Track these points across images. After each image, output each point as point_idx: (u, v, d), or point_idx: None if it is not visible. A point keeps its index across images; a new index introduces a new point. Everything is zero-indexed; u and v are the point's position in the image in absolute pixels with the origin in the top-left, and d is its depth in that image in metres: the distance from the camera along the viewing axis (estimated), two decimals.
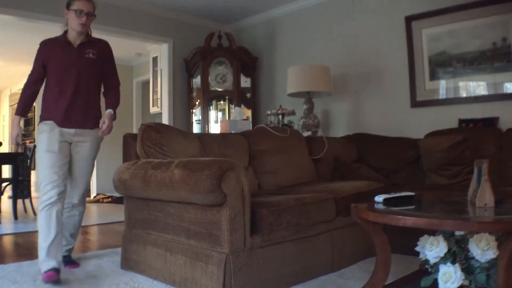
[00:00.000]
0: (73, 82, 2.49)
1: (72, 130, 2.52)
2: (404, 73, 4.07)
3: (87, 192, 2.75)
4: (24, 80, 2.59)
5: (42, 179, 2.39)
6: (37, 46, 2.54)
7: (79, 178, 2.64)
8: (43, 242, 2.31)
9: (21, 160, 5.11)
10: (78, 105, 2.52)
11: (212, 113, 5.37)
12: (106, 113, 2.62)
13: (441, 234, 1.66)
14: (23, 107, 2.57)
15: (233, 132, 3.44)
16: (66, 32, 2.56)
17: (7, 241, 3.64)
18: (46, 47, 2.54)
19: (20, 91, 2.57)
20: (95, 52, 2.58)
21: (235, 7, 5.29)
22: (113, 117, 2.63)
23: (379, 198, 1.83)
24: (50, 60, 2.50)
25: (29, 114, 8.26)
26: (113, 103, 2.68)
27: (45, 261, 2.28)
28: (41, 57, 2.52)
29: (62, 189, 2.40)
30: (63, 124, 2.49)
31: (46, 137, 2.45)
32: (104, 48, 2.66)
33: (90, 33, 2.62)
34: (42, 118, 2.53)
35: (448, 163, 3.17)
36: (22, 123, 2.62)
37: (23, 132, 8.60)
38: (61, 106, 2.48)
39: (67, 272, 2.50)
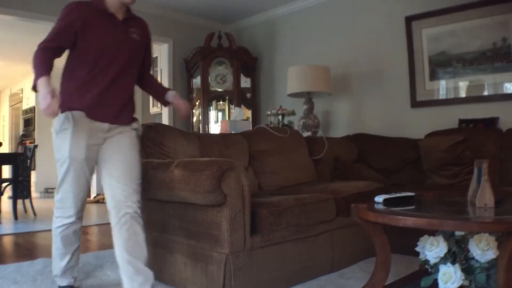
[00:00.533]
0: (117, 67, 1.94)
1: (105, 125, 1.94)
2: (404, 73, 4.07)
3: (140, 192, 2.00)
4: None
5: (61, 190, 1.95)
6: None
7: (128, 170, 1.94)
8: (58, 260, 2.04)
9: (21, 160, 5.11)
10: (114, 95, 1.96)
11: (212, 113, 5.37)
12: (172, 94, 2.21)
13: (441, 234, 1.65)
14: (46, 67, 1.78)
15: (233, 132, 3.44)
16: None
17: (7, 241, 3.64)
18: (84, 12, 1.87)
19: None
20: (138, 32, 2.05)
21: (235, 7, 5.29)
22: None
23: (379, 198, 1.83)
24: (89, 32, 1.87)
25: (29, 114, 8.26)
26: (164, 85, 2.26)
27: (60, 278, 2.07)
28: (77, 22, 1.84)
29: (82, 207, 2.00)
30: (94, 114, 1.90)
31: (70, 138, 1.87)
32: (146, 29, 2.14)
33: None
34: (64, 108, 1.88)
35: (448, 163, 3.17)
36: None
37: (22, 132, 8.62)
38: (93, 92, 1.90)
39: None
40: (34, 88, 1.74)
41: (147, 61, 2.21)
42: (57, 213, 1.98)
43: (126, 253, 1.87)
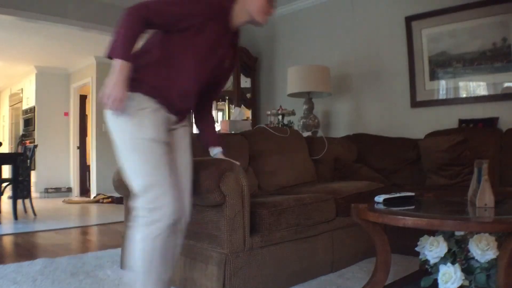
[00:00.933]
0: (203, 80, 1.73)
1: (173, 117, 1.72)
2: (404, 73, 4.07)
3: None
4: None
5: (150, 183, 1.52)
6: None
7: (185, 177, 1.75)
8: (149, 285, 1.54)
9: (21, 160, 5.11)
10: (188, 105, 1.77)
11: (212, 113, 5.36)
12: (219, 152, 2.02)
13: (441, 234, 1.66)
14: (131, 46, 1.54)
15: (233, 132, 3.44)
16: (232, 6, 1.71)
17: (7, 241, 3.63)
18: (216, 14, 1.65)
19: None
20: (230, 62, 1.84)
21: None
22: None
23: (379, 198, 1.83)
24: (205, 31, 1.62)
25: (29, 114, 8.26)
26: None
27: None
28: (203, 18, 1.60)
29: (181, 204, 1.63)
30: (171, 108, 1.66)
31: (151, 119, 1.57)
32: (236, 62, 1.93)
33: None
34: (142, 90, 1.58)
35: (448, 163, 3.17)
36: None
37: (22, 132, 8.60)
38: (174, 93, 1.65)
39: (65, 272, 2.49)
40: (110, 57, 1.51)
41: (215, 93, 2.01)
42: (150, 217, 1.51)
43: None
